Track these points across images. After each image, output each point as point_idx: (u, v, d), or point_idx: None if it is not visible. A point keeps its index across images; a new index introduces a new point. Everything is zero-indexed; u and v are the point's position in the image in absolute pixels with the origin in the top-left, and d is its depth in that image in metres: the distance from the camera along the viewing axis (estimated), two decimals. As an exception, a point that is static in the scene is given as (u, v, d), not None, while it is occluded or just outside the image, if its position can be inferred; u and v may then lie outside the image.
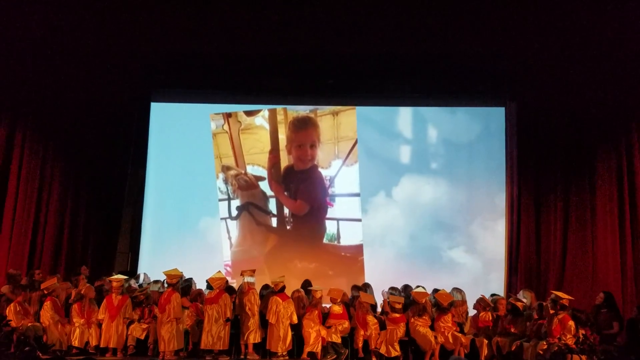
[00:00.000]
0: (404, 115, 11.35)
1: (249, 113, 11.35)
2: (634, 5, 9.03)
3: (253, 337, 8.48)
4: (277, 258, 10.95)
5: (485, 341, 8.49)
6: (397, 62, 10.87)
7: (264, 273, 10.30)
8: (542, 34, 9.87)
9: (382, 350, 8.47)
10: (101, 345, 8.55)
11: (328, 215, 11.10)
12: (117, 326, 8.54)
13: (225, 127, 11.30)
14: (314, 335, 8.46)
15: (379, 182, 11.15)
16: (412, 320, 8.63)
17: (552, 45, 10.03)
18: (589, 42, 9.85)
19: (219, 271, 8.90)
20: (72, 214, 10.67)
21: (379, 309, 9.17)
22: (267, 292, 8.99)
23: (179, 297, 8.44)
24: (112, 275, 9.25)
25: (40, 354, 7.20)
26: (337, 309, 8.78)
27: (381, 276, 10.24)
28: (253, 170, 11.25)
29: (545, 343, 7.87)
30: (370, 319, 8.67)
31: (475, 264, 10.84)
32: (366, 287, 9.46)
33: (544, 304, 8.41)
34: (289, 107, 11.30)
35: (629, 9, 9.10)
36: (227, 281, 8.90)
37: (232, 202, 11.20)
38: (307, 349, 8.45)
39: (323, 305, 9.02)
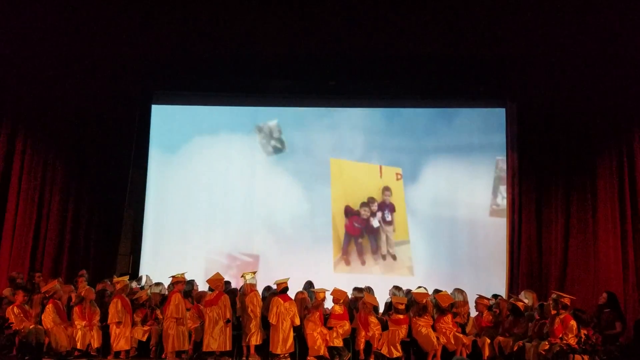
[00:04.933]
0: (403, 116, 11.38)
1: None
2: (632, 5, 9.03)
3: (255, 339, 8.47)
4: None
5: (488, 341, 8.47)
6: (397, 64, 10.85)
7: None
8: (542, 34, 9.86)
9: (384, 351, 8.44)
10: (127, 348, 8.52)
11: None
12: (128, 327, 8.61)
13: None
14: (317, 337, 8.46)
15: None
16: (414, 320, 8.62)
17: (552, 45, 10.02)
18: (588, 43, 9.84)
19: (218, 272, 8.90)
20: (74, 216, 10.65)
21: (381, 311, 9.16)
22: (269, 294, 9.00)
23: (181, 298, 8.50)
24: (112, 278, 9.25)
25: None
26: (338, 309, 8.76)
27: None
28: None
29: (547, 343, 7.87)
30: (372, 319, 8.66)
31: (477, 265, 10.81)
32: (368, 289, 9.42)
33: (545, 304, 8.40)
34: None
35: (628, 10, 9.10)
36: (225, 282, 8.89)
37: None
38: (311, 353, 8.45)
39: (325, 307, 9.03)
